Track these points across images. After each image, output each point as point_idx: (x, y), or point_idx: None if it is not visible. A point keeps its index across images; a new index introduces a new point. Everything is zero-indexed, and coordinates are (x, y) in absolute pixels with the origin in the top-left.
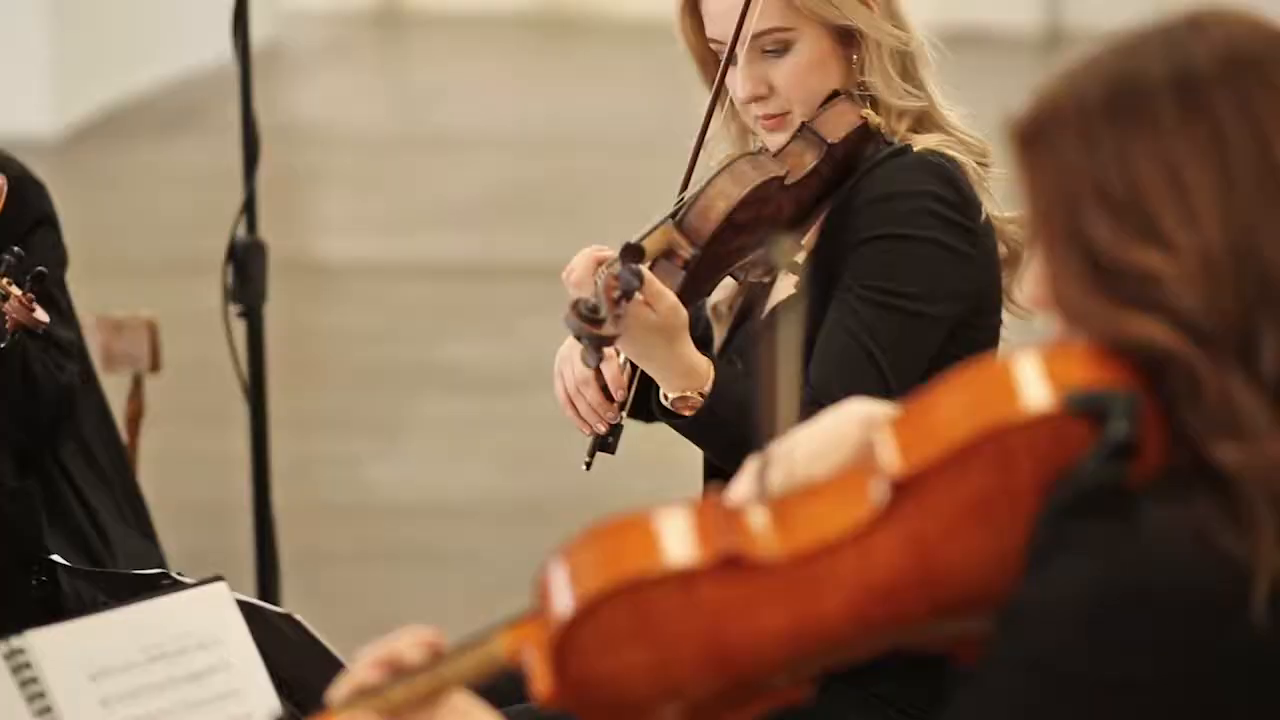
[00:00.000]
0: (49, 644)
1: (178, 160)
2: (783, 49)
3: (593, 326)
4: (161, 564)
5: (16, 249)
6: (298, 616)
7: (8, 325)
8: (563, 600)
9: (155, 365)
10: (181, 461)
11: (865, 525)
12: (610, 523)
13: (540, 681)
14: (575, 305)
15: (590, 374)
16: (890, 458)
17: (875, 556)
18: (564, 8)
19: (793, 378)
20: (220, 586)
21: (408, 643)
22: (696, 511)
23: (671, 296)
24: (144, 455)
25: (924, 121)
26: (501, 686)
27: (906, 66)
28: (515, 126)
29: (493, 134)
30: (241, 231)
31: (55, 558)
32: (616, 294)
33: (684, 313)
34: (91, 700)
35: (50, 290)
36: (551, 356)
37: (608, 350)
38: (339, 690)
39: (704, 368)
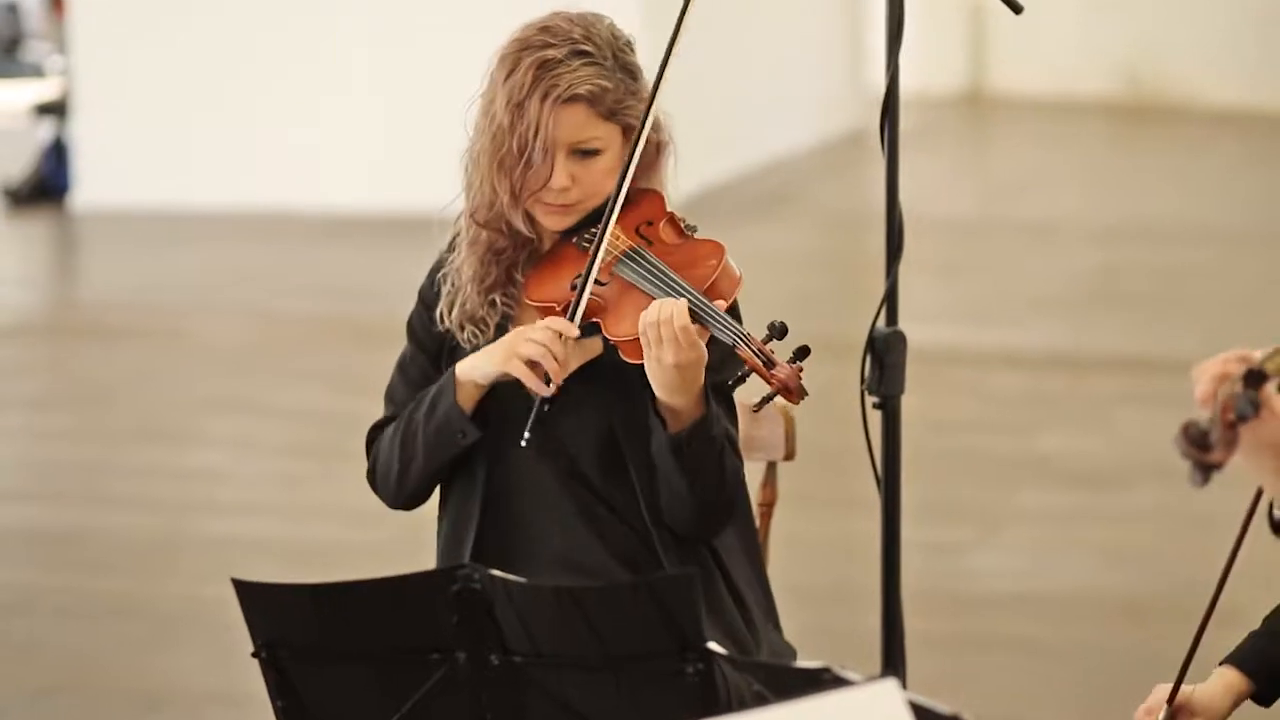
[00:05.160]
0: None
1: (764, 243)
2: None
3: (1200, 452)
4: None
5: (782, 321)
6: (966, 717)
7: (772, 385)
8: None
9: (790, 454)
10: (806, 544)
11: None
12: None
13: None
14: (1185, 429)
15: None
16: None
17: None
18: (1151, 93)
19: None
20: (891, 684)
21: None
22: None
23: None
24: (772, 538)
25: None
26: None
27: None
28: (1100, 214)
29: (1077, 221)
30: (882, 322)
31: (713, 646)
32: (1231, 417)
33: None
34: None
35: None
36: (1147, 449)
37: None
38: None
39: None
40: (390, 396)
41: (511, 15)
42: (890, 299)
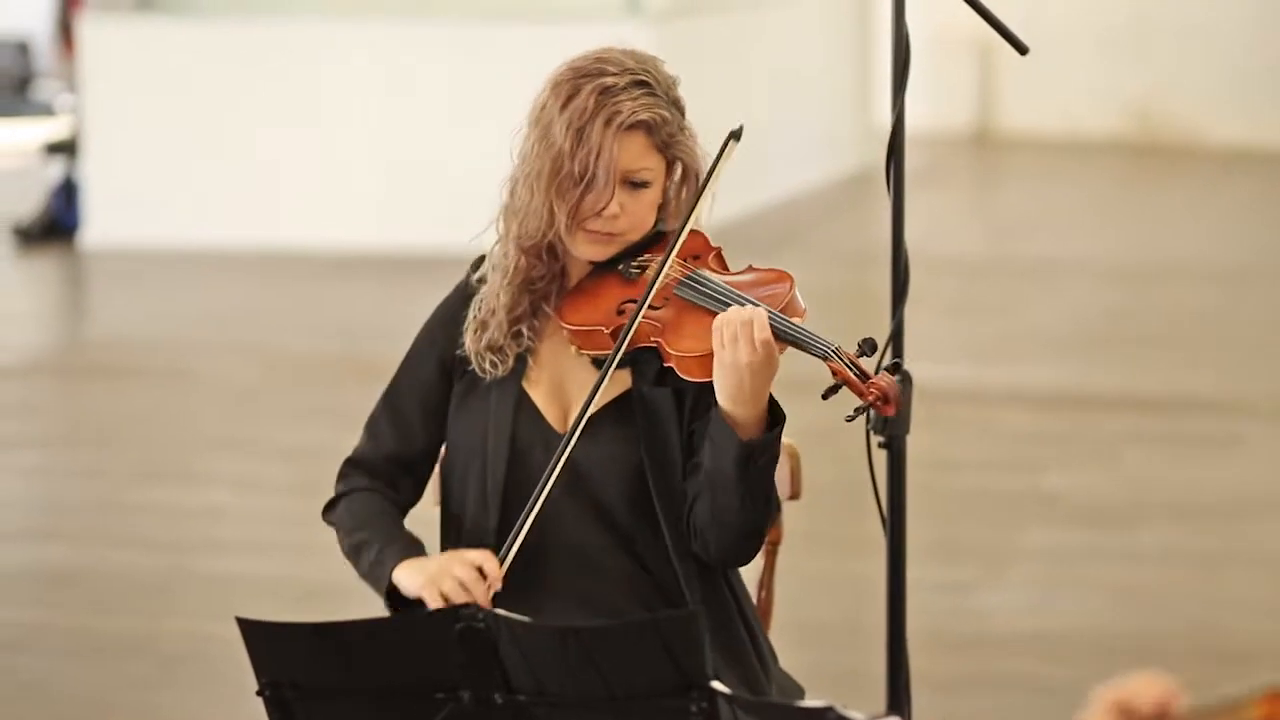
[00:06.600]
0: None
1: None
2: None
3: None
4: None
5: (871, 338)
6: None
7: (868, 396)
8: None
9: (796, 493)
10: (811, 583)
11: None
12: None
13: None
14: None
15: None
16: None
17: None
18: (1160, 132)
19: None
20: None
21: (1147, 694)
22: None
23: None
24: (777, 577)
25: None
26: None
27: None
28: (1109, 253)
29: (1086, 260)
30: (887, 362)
31: (716, 684)
32: None
33: None
34: None
35: None
36: (1155, 488)
37: None
38: None
39: None
40: (371, 428)
41: (512, 60)
42: (895, 340)
